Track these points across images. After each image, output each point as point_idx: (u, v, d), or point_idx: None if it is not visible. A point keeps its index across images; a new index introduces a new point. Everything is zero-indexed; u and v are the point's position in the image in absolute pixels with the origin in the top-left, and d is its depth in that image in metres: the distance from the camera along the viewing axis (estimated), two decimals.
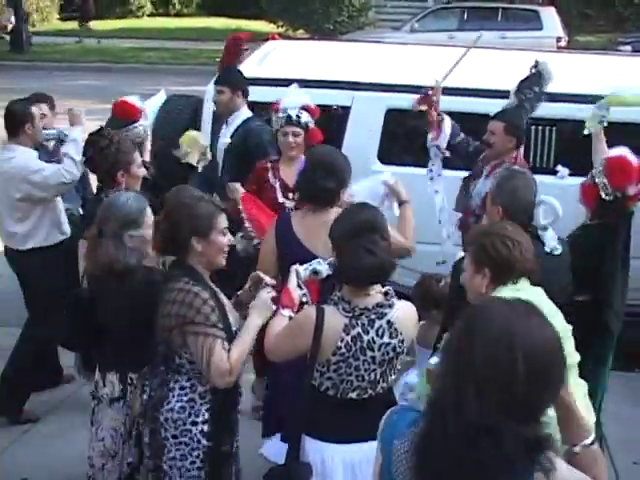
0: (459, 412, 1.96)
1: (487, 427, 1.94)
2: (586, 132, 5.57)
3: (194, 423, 3.64)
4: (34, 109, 5.73)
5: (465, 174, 5.87)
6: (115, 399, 4.04)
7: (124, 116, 5.71)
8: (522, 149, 5.76)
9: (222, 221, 3.73)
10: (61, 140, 5.98)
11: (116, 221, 4.00)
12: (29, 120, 5.64)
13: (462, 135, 5.90)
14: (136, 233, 4.04)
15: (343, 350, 3.43)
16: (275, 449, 4.25)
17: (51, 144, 6.23)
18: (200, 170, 6.01)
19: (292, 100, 5.64)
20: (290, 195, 5.51)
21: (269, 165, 5.61)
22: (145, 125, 5.82)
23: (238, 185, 5.45)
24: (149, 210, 4.13)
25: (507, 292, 3.40)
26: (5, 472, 5.18)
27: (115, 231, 3.99)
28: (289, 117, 5.53)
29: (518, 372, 1.95)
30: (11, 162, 5.60)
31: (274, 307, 3.68)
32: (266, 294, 3.71)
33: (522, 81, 5.89)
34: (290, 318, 3.61)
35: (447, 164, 6.01)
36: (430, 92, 5.77)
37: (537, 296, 3.43)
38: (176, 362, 3.66)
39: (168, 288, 3.63)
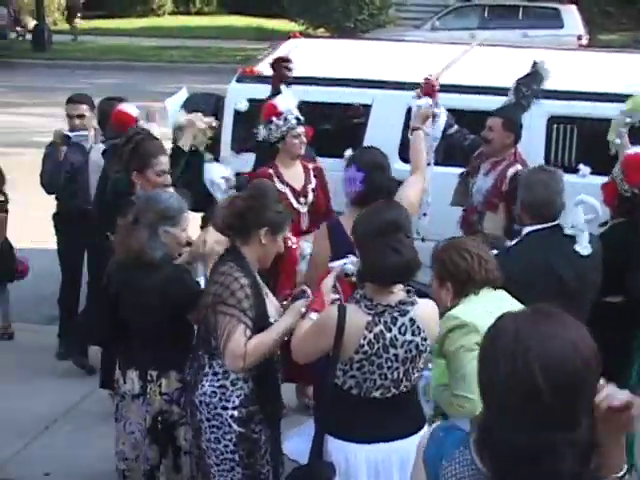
0: (513, 429, 1.88)
1: (537, 442, 1.87)
2: (612, 146, 5.56)
3: (224, 408, 3.73)
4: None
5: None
6: (135, 396, 4.06)
7: (120, 124, 5.73)
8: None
9: (287, 230, 3.94)
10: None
11: (155, 213, 4.03)
12: None
13: (456, 126, 5.90)
14: (171, 230, 4.06)
15: (366, 348, 3.42)
16: (297, 448, 4.25)
17: (88, 145, 6.31)
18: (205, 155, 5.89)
19: (289, 101, 5.66)
20: (302, 200, 5.53)
21: (271, 171, 5.55)
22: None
23: None
24: (187, 215, 4.18)
25: (468, 302, 3.53)
26: (28, 467, 5.21)
27: (152, 222, 4.01)
28: (297, 118, 5.58)
29: (539, 383, 1.85)
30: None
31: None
32: (303, 302, 3.79)
33: (520, 79, 5.91)
34: None
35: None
36: (430, 79, 5.72)
37: (497, 301, 3.45)
38: (212, 345, 3.75)
39: (215, 270, 3.79)
